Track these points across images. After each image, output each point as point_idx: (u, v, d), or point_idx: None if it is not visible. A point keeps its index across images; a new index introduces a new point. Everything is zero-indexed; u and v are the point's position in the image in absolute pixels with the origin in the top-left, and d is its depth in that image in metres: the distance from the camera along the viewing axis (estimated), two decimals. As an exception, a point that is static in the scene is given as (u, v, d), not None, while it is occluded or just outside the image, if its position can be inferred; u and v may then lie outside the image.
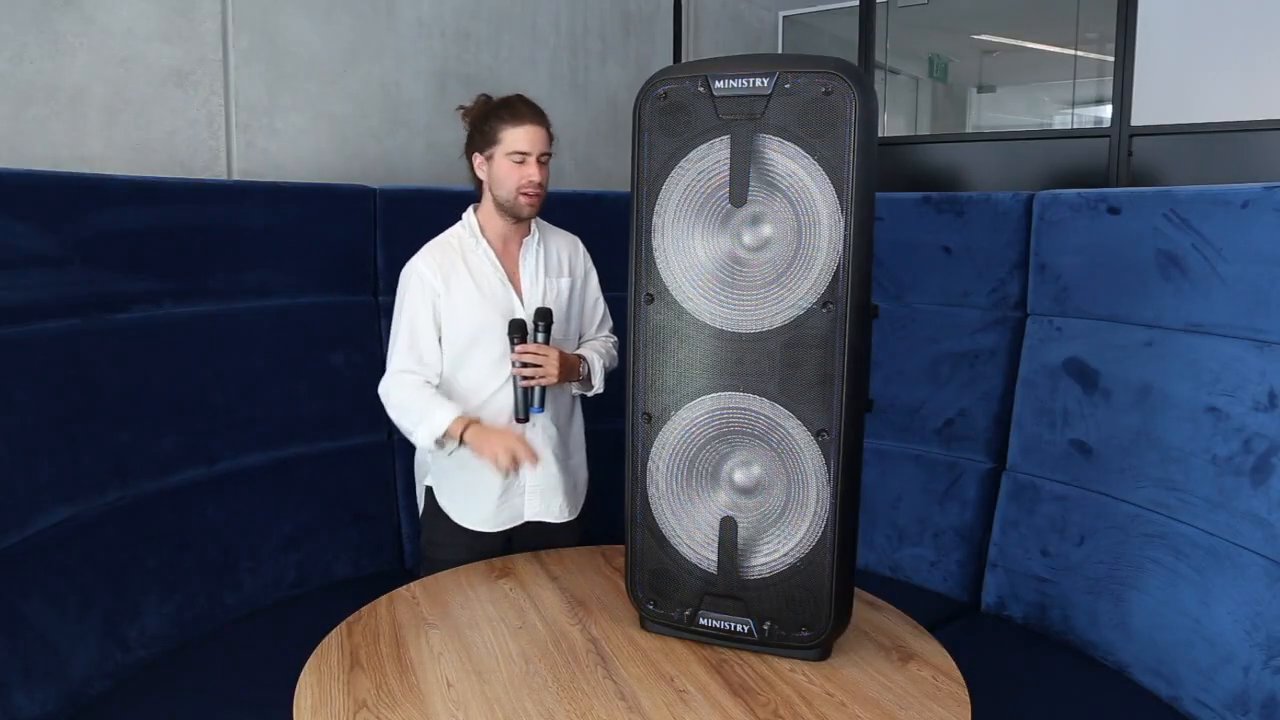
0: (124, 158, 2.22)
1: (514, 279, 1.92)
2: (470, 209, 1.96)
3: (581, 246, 2.07)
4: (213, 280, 2.13)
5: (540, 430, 1.94)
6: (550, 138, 1.89)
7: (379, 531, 2.35)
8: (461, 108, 1.94)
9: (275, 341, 2.22)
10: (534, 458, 1.80)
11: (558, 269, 1.98)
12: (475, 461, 1.89)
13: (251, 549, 2.12)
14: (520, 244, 1.95)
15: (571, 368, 1.89)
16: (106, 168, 2.16)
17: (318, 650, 1.46)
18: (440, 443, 1.82)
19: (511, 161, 1.84)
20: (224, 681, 1.79)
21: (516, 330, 1.85)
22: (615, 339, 2.10)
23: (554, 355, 1.83)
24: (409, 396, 1.86)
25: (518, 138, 1.83)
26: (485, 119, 1.87)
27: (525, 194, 1.84)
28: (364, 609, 1.61)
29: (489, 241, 1.92)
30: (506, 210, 1.88)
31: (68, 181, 1.89)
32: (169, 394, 2.02)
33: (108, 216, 1.93)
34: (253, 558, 2.12)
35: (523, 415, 1.87)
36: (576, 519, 2.05)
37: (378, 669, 1.40)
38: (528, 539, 1.98)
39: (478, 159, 1.89)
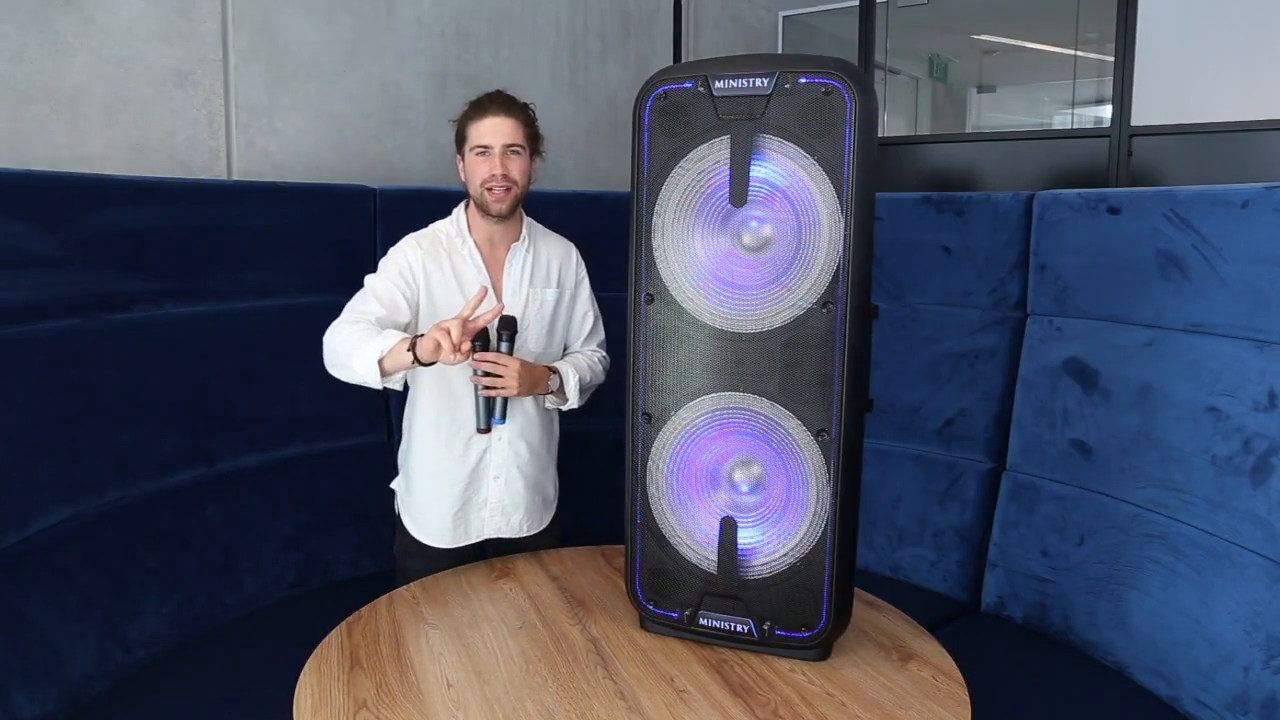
0: (124, 158, 2.22)
1: (497, 286, 1.87)
2: (461, 205, 1.91)
3: (575, 254, 1.99)
4: (213, 280, 2.13)
5: (507, 444, 1.88)
6: (524, 129, 1.81)
7: (379, 531, 2.35)
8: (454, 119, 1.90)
9: (275, 341, 2.22)
10: (459, 325, 1.56)
11: (545, 279, 1.92)
12: (432, 475, 1.87)
13: (251, 549, 2.12)
14: (508, 249, 1.89)
15: (537, 380, 1.80)
16: (106, 168, 2.16)
17: (318, 650, 1.46)
18: (384, 368, 1.63)
19: (474, 155, 1.80)
20: (224, 681, 1.79)
21: (478, 337, 1.73)
22: (604, 354, 2.03)
23: (514, 366, 1.74)
24: (351, 329, 1.70)
25: (480, 131, 1.79)
26: (460, 121, 1.85)
27: (489, 188, 1.78)
28: (364, 609, 1.61)
29: (476, 243, 1.86)
30: (480, 207, 1.82)
31: (68, 181, 1.89)
32: (169, 394, 2.02)
33: (108, 216, 1.93)
34: (253, 558, 2.12)
35: (484, 425, 1.81)
36: (546, 532, 1.99)
37: (378, 669, 1.40)
38: (501, 552, 1.92)
39: (458, 161, 1.87)
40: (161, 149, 2.29)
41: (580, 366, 1.91)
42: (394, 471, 2.32)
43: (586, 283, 2.01)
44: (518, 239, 1.90)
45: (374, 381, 1.66)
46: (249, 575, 2.11)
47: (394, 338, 1.63)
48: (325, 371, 1.73)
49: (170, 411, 2.01)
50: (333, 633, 1.52)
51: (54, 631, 1.68)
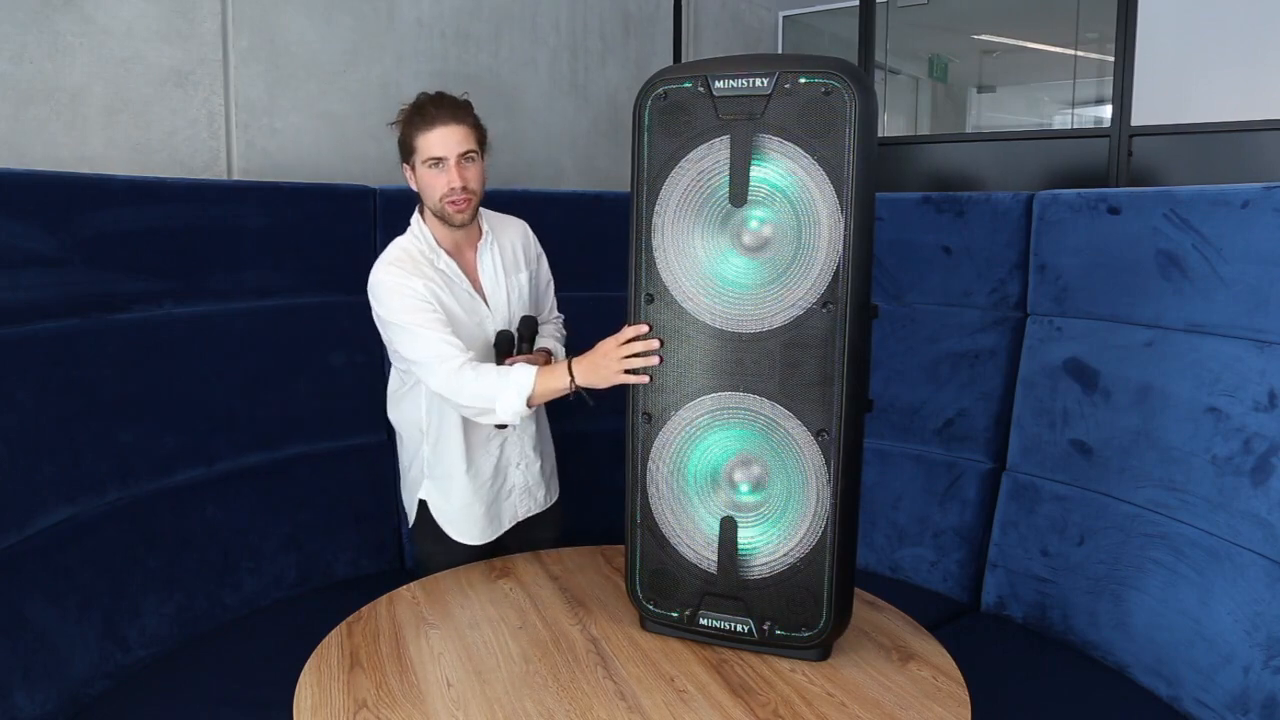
0: (124, 158, 2.22)
1: (477, 288, 1.86)
2: (417, 216, 1.83)
3: (529, 231, 1.99)
4: (213, 280, 2.13)
5: (521, 429, 1.94)
6: (474, 133, 1.74)
7: (379, 531, 2.35)
8: (393, 122, 1.80)
9: (275, 341, 2.22)
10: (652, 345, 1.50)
11: (514, 264, 1.93)
12: (466, 474, 1.89)
13: (251, 549, 2.12)
14: (475, 248, 1.87)
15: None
16: (106, 168, 2.16)
17: (318, 650, 1.46)
18: (530, 403, 1.67)
19: (428, 169, 1.72)
20: (224, 681, 1.79)
21: (504, 343, 1.83)
22: (562, 316, 2.11)
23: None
24: (477, 377, 1.68)
25: (430, 143, 1.70)
26: (403, 127, 1.75)
27: (451, 202, 1.72)
28: (364, 609, 1.61)
29: (446, 251, 1.82)
30: (441, 219, 1.77)
31: (68, 181, 1.89)
32: (169, 394, 2.02)
33: (108, 216, 1.93)
34: (253, 558, 2.12)
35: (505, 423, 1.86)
36: (557, 503, 2.09)
37: (378, 669, 1.40)
38: (517, 533, 2.00)
39: (406, 171, 1.79)
40: (161, 149, 2.29)
41: (558, 339, 2.02)
42: (393, 471, 2.31)
43: (544, 255, 2.05)
44: (480, 236, 1.88)
45: (518, 418, 1.70)
46: (249, 575, 2.11)
47: (529, 374, 1.66)
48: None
49: (170, 411, 2.01)
50: (333, 633, 1.52)
51: (54, 631, 1.68)
